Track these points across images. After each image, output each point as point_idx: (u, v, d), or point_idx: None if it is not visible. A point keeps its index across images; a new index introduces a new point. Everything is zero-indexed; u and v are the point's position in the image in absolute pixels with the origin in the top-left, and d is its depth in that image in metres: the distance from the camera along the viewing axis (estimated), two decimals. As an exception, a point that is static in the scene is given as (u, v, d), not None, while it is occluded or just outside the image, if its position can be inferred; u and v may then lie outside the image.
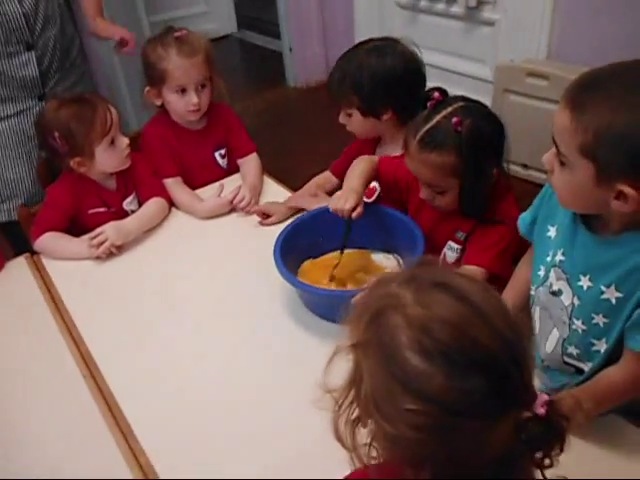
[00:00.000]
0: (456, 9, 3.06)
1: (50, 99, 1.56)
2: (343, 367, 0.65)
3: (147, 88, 1.64)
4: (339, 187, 1.64)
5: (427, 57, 3.29)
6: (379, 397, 0.60)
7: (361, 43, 1.47)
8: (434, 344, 0.57)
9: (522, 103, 2.57)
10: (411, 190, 1.29)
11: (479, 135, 1.12)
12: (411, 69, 1.43)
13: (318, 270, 1.33)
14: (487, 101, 2.66)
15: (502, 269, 1.19)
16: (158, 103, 1.67)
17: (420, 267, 0.67)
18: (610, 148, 0.77)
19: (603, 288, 0.89)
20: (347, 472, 0.69)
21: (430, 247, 1.25)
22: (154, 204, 1.61)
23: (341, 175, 1.63)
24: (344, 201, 1.23)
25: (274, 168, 1.83)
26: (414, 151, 1.17)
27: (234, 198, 1.60)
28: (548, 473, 0.62)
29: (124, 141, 1.55)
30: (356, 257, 1.34)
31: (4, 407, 1.14)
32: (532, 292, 1.04)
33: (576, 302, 0.94)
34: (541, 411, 0.58)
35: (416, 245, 1.22)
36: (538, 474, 0.63)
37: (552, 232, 1.00)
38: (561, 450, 0.61)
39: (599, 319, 0.91)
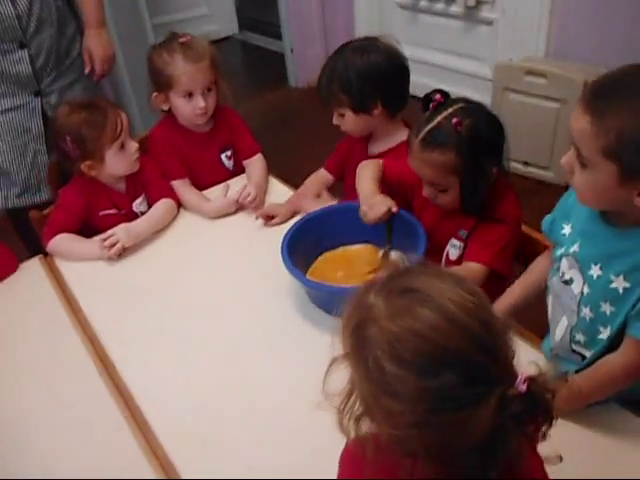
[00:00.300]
0: (455, 9, 3.10)
1: (62, 104, 1.60)
2: (343, 372, 0.70)
3: (154, 94, 1.68)
4: (335, 184, 1.68)
5: (427, 56, 3.36)
6: (368, 401, 0.66)
7: (343, 45, 1.52)
8: (403, 353, 0.62)
9: (521, 101, 2.60)
10: (415, 190, 1.32)
11: (478, 135, 1.16)
12: (395, 63, 1.48)
13: (326, 266, 1.38)
14: (487, 99, 2.71)
15: (502, 266, 1.23)
16: (165, 108, 1.71)
17: (396, 272, 0.71)
18: (633, 149, 0.81)
19: (612, 277, 0.93)
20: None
21: (433, 245, 1.29)
22: (163, 205, 1.65)
23: (336, 172, 1.68)
24: (377, 209, 1.25)
25: (278, 168, 1.86)
26: (416, 150, 1.21)
27: (240, 197, 1.64)
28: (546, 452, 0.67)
29: (133, 145, 1.60)
30: (363, 253, 1.38)
31: (22, 405, 1.18)
32: (548, 283, 1.09)
33: (586, 290, 0.98)
34: (522, 388, 0.62)
35: (419, 242, 1.26)
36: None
37: (566, 229, 1.04)
38: (550, 424, 0.65)
39: (606, 307, 0.95)
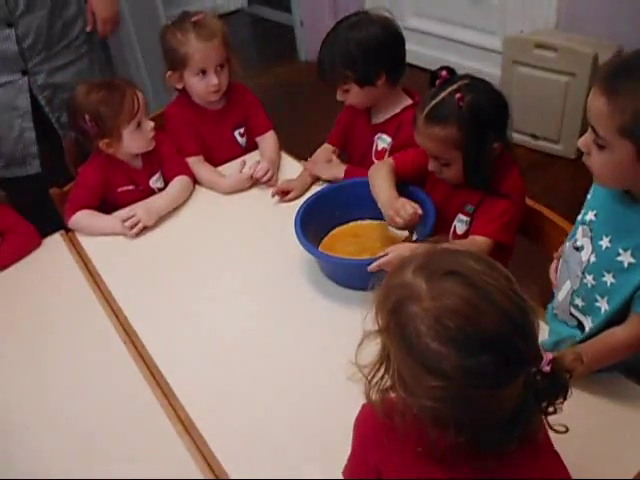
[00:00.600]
0: (466, -20, 3.08)
1: (80, 84, 1.64)
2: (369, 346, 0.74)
3: (169, 73, 1.72)
4: (339, 157, 1.72)
5: (437, 28, 3.35)
6: (404, 375, 0.70)
7: (337, 25, 1.55)
8: (446, 332, 0.65)
9: (531, 74, 2.60)
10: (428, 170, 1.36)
11: (479, 111, 1.20)
12: (391, 32, 1.52)
13: (337, 241, 1.43)
14: (496, 72, 2.72)
15: (506, 238, 1.27)
16: (179, 86, 1.75)
17: (432, 253, 0.74)
18: None
19: (620, 251, 0.98)
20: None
21: (442, 220, 1.33)
22: (179, 182, 1.70)
23: (339, 144, 1.72)
24: (404, 212, 1.27)
25: (288, 142, 1.89)
26: (421, 125, 1.25)
27: (254, 173, 1.68)
28: (553, 422, 0.73)
29: (149, 124, 1.64)
30: (373, 228, 1.43)
31: (49, 376, 1.25)
32: (563, 247, 1.14)
33: (592, 259, 1.03)
34: (547, 369, 0.68)
35: (427, 216, 1.31)
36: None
37: (590, 194, 1.08)
38: (564, 399, 0.70)
39: (608, 278, 1.00)
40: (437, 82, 1.25)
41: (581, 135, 0.96)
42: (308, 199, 1.45)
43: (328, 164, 1.66)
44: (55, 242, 1.61)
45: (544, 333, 1.09)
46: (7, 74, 1.77)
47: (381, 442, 0.79)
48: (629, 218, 0.98)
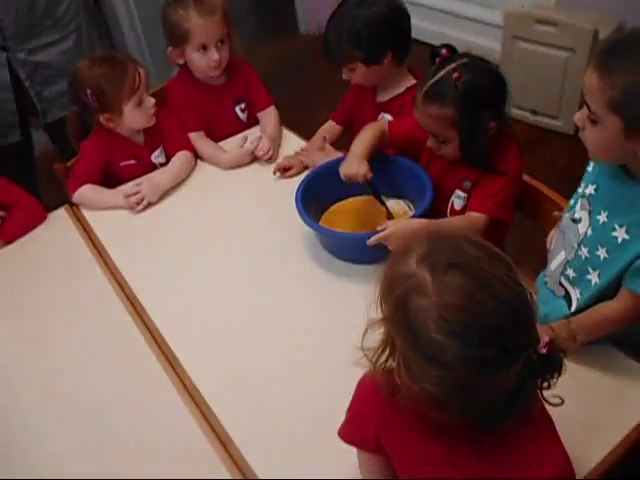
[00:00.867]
0: (467, -47, 3.05)
1: (83, 59, 1.65)
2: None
3: (170, 48, 1.73)
4: (342, 135, 1.74)
5: (438, 2, 3.31)
6: (409, 364, 0.73)
7: (342, 3, 1.55)
8: (451, 326, 0.68)
9: (531, 50, 2.60)
10: (423, 143, 1.38)
11: (476, 90, 1.21)
12: (397, 10, 1.52)
13: (337, 216, 1.46)
14: (496, 47, 2.71)
15: (503, 215, 1.30)
16: (181, 62, 1.76)
17: (434, 240, 0.76)
18: (636, 103, 0.87)
19: (616, 226, 1.01)
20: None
21: (439, 195, 1.36)
22: (181, 158, 1.72)
23: (343, 122, 1.73)
24: (356, 168, 1.34)
25: (288, 117, 1.90)
26: (419, 103, 1.27)
27: (255, 148, 1.70)
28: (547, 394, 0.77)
29: (150, 100, 1.65)
30: (372, 203, 1.46)
31: (58, 345, 1.29)
32: (562, 218, 1.17)
33: (589, 232, 1.06)
34: (543, 351, 0.71)
35: (425, 192, 1.34)
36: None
37: (589, 168, 1.11)
38: (559, 375, 0.74)
39: (602, 252, 1.03)
40: (437, 60, 1.26)
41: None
42: (308, 175, 1.48)
43: (321, 153, 1.65)
44: (60, 216, 1.63)
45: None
46: None
47: (383, 411, 0.82)
48: (626, 195, 1.00)
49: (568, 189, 1.18)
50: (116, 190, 1.66)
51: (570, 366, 0.76)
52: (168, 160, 1.74)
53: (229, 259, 1.44)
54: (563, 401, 0.77)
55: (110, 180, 1.70)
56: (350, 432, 0.89)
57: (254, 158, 1.73)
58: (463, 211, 1.35)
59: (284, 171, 1.65)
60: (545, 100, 2.66)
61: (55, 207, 1.66)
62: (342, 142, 1.75)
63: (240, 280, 1.39)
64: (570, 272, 1.11)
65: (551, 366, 0.73)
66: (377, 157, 1.47)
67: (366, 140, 1.41)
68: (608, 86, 0.88)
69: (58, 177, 1.72)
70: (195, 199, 1.65)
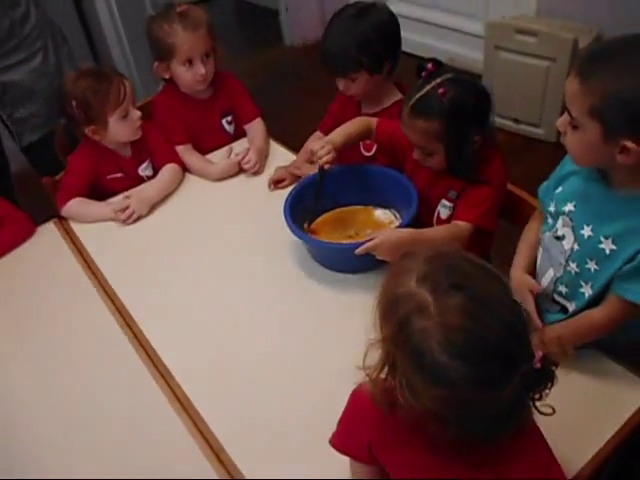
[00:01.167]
0: (448, -35, 3.09)
1: (69, 71, 1.66)
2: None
3: (156, 63, 1.75)
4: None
5: (420, 13, 3.36)
6: (411, 383, 0.73)
7: (341, 12, 1.54)
8: (454, 347, 0.70)
9: (512, 59, 2.64)
10: (407, 152, 1.40)
11: (461, 106, 1.23)
12: (394, 20, 1.55)
13: (325, 226, 1.48)
14: (479, 56, 2.75)
15: (487, 224, 1.33)
16: (167, 76, 1.77)
17: (432, 259, 0.76)
18: (615, 109, 0.90)
19: (602, 239, 1.03)
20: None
21: (425, 205, 1.38)
22: (169, 171, 1.73)
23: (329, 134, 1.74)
24: (319, 147, 1.37)
25: (274, 128, 1.91)
26: (406, 117, 1.29)
27: (243, 159, 1.72)
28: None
29: (136, 113, 1.67)
30: (359, 213, 1.49)
31: (48, 360, 1.29)
32: (540, 236, 1.19)
33: (575, 247, 1.08)
34: (538, 366, 0.73)
35: (411, 202, 1.36)
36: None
37: (560, 189, 1.14)
38: (550, 387, 0.76)
39: (591, 265, 1.06)
40: (423, 74, 1.28)
41: (561, 119, 1.01)
42: (296, 186, 1.49)
43: (310, 165, 1.63)
44: (49, 230, 1.64)
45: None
46: None
47: (377, 422, 0.83)
48: (607, 206, 1.03)
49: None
50: (105, 203, 1.67)
51: (559, 372, 0.77)
52: (155, 173, 1.75)
53: (218, 270, 1.45)
54: (554, 411, 0.78)
55: (97, 193, 1.71)
56: (343, 441, 0.89)
57: (241, 169, 1.74)
58: (449, 220, 1.37)
59: (277, 183, 1.67)
60: (527, 109, 2.70)
61: (40, 223, 1.66)
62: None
63: (228, 290, 1.40)
64: (562, 288, 1.13)
65: (544, 379, 0.75)
66: (364, 168, 1.49)
67: (346, 131, 1.43)
68: (589, 93, 0.91)
69: (47, 191, 1.72)
70: (184, 211, 1.66)
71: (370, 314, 0.78)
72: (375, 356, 0.78)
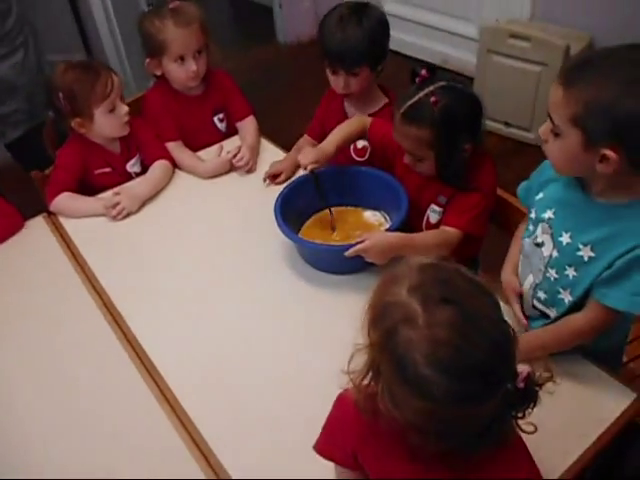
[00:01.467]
0: (443, -33, 3.10)
1: (59, 63, 1.64)
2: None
3: (147, 60, 1.74)
4: None
5: (415, 14, 3.36)
6: (393, 392, 0.73)
7: (336, 11, 1.53)
8: (439, 362, 0.69)
9: (505, 63, 2.65)
10: (398, 156, 1.40)
11: (452, 114, 1.23)
12: (386, 17, 1.56)
13: (315, 227, 1.48)
14: (472, 59, 2.76)
15: (476, 230, 1.33)
16: (159, 73, 1.76)
17: (425, 270, 0.76)
18: (597, 118, 0.91)
19: (580, 246, 1.04)
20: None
21: (415, 209, 1.38)
22: (160, 167, 1.72)
23: (317, 138, 1.71)
24: (303, 156, 1.40)
25: (266, 125, 1.90)
26: (397, 123, 1.29)
27: (234, 157, 1.71)
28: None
29: (124, 108, 1.65)
30: (349, 214, 1.50)
31: (36, 354, 1.28)
32: (522, 242, 1.20)
33: (554, 254, 1.09)
34: (521, 385, 0.73)
35: (400, 204, 1.36)
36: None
37: (540, 195, 1.15)
38: (533, 407, 0.76)
39: (570, 271, 1.07)
40: (417, 80, 1.27)
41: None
42: (287, 186, 1.49)
43: (313, 149, 1.60)
44: (38, 225, 1.62)
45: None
46: None
47: (362, 430, 0.83)
48: (586, 213, 1.04)
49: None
50: (94, 198, 1.66)
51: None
52: (144, 169, 1.74)
53: (207, 268, 1.45)
54: (536, 429, 0.79)
55: (85, 187, 1.70)
56: (328, 447, 0.90)
57: (233, 167, 1.73)
58: (438, 225, 1.37)
59: (273, 178, 1.66)
60: (518, 112, 2.72)
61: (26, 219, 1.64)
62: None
63: (218, 289, 1.40)
64: (542, 294, 1.14)
65: (527, 399, 0.75)
66: (354, 169, 1.50)
67: (337, 134, 1.45)
68: (572, 101, 0.92)
69: (33, 187, 1.71)
70: (174, 208, 1.65)
71: (359, 317, 0.78)
72: (360, 361, 0.77)
